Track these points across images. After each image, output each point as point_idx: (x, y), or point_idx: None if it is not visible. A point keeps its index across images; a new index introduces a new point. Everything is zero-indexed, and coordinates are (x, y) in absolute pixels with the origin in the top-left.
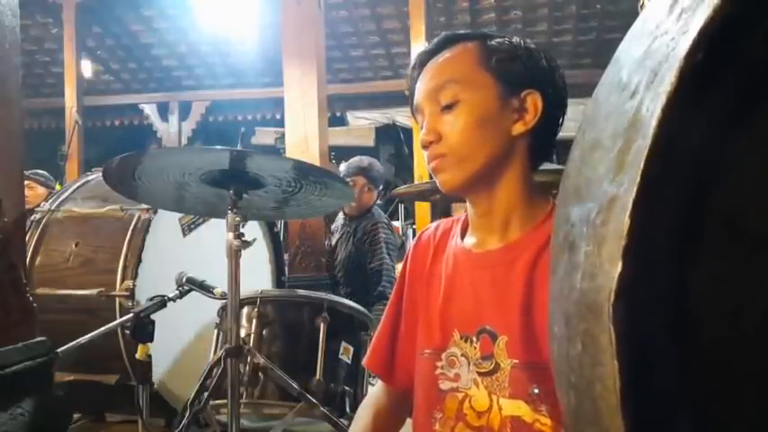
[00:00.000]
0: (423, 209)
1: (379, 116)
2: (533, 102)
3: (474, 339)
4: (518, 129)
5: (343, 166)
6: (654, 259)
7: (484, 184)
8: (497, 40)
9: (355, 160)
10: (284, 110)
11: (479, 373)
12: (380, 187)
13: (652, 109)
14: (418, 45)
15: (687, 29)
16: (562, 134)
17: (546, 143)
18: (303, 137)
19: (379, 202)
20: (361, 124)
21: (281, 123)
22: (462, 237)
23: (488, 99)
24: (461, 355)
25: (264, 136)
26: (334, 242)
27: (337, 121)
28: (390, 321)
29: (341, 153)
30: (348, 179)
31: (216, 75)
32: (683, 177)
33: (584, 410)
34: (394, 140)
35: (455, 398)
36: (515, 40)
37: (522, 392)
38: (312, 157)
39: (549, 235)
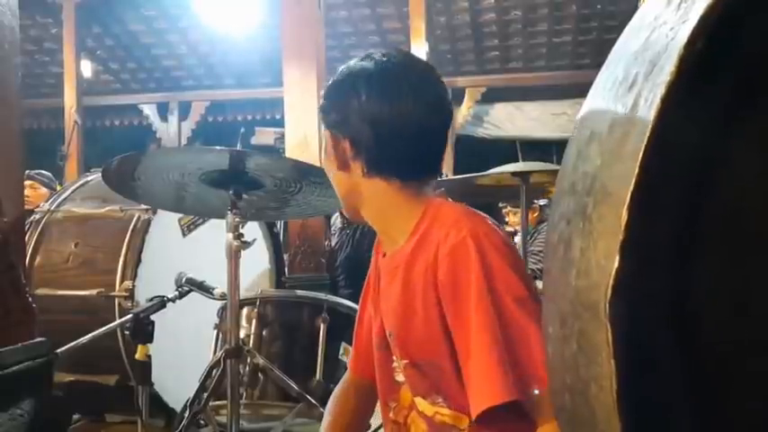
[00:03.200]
0: None
1: None
2: (327, 138)
3: (387, 342)
4: (338, 164)
5: None
6: (651, 255)
7: (358, 213)
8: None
9: None
10: (284, 110)
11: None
12: None
13: (650, 100)
14: (418, 45)
15: (687, 18)
16: (562, 134)
17: (394, 157)
18: (303, 137)
19: None
20: None
21: (280, 123)
22: None
23: (328, 148)
24: None
25: (264, 136)
26: (334, 244)
27: None
28: (361, 318)
29: None
30: None
31: (216, 75)
32: (682, 171)
33: (579, 412)
34: None
35: (408, 389)
36: (331, 81)
37: (418, 389)
38: (312, 157)
39: (418, 240)
